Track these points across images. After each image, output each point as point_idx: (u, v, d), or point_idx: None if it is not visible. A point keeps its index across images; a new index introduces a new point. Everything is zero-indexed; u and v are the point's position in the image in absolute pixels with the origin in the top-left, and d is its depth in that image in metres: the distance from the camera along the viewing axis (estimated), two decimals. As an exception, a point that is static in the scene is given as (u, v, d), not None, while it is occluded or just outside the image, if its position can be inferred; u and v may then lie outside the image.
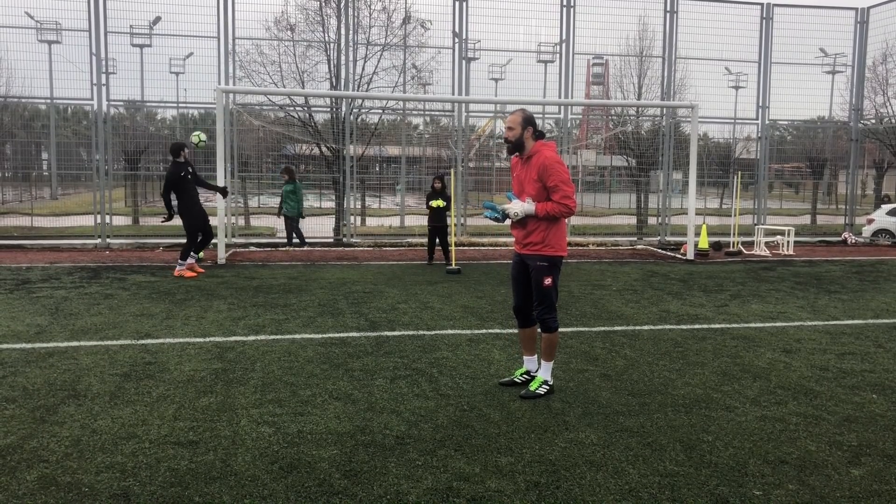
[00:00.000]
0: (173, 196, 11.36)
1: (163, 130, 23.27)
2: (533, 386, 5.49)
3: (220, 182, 12.72)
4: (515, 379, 5.77)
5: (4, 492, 3.74)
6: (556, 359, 6.47)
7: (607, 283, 11.10)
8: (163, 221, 11.83)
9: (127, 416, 4.86)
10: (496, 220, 5.53)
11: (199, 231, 11.53)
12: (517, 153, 5.47)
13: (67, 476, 3.94)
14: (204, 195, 12.68)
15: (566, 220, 5.53)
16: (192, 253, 11.49)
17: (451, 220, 13.26)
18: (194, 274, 11.28)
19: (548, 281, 5.38)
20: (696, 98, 17.70)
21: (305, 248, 15.60)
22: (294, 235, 16.00)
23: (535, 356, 5.75)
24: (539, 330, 5.53)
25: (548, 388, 5.49)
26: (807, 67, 19.48)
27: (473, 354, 6.65)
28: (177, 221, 11.65)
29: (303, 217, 16.60)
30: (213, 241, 12.37)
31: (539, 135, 5.44)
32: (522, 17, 18.35)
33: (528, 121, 5.38)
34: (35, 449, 4.29)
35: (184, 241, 11.71)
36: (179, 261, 11.34)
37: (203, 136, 11.93)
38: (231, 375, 5.86)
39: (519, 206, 5.33)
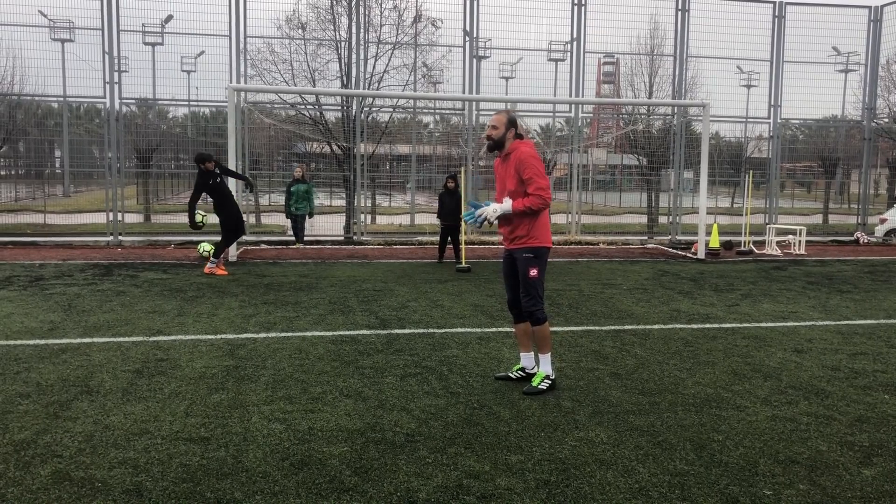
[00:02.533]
0: (208, 199, 11.48)
1: (175, 129, 23.38)
2: (535, 382, 5.52)
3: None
4: (511, 374, 5.85)
5: (19, 486, 3.78)
6: (566, 358, 6.48)
7: (618, 282, 11.08)
8: (191, 227, 11.76)
9: (139, 413, 4.89)
10: (474, 223, 5.70)
11: (235, 228, 11.63)
12: (497, 151, 5.65)
13: (80, 471, 3.97)
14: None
15: (548, 214, 5.67)
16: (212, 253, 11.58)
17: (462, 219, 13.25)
18: (225, 272, 11.33)
19: (533, 272, 5.48)
20: (707, 97, 17.63)
21: (303, 247, 15.63)
22: (299, 232, 16.07)
23: (532, 353, 5.82)
24: (530, 324, 5.61)
25: (550, 381, 5.52)
26: (819, 66, 19.38)
27: (483, 352, 6.65)
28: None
29: (311, 216, 16.70)
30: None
31: (518, 136, 5.63)
32: (533, 16, 18.34)
33: (512, 122, 5.61)
34: (49, 444, 4.33)
35: (196, 238, 11.77)
36: (212, 258, 11.39)
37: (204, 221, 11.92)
38: (242, 372, 5.89)
39: (494, 207, 5.50)
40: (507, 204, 5.45)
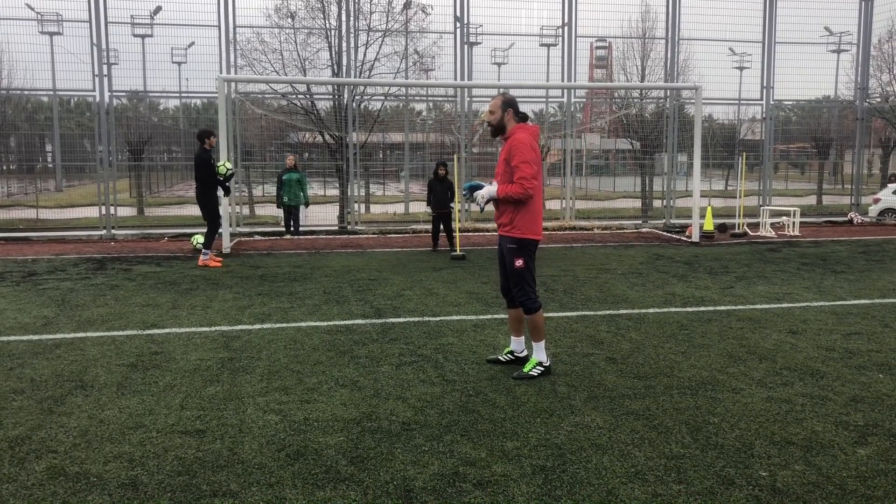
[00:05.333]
0: (199, 192, 11.51)
1: (166, 121, 23.26)
2: (526, 368, 5.53)
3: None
4: (501, 357, 5.89)
5: (13, 482, 3.76)
6: (561, 343, 6.48)
7: (612, 267, 11.08)
8: (225, 195, 12.00)
9: (134, 406, 4.87)
10: (468, 199, 5.80)
11: (219, 218, 11.62)
12: (500, 135, 5.60)
13: (76, 466, 3.96)
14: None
15: (540, 206, 5.57)
16: (203, 245, 11.55)
17: (456, 206, 13.25)
18: (219, 263, 11.29)
19: (519, 262, 5.46)
20: (699, 79, 17.61)
21: (295, 237, 15.57)
22: (293, 223, 15.96)
23: (522, 338, 5.86)
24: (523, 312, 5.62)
25: (542, 368, 5.52)
26: (811, 47, 19.36)
27: (479, 340, 6.65)
28: (186, 211, 11.67)
29: (307, 205, 16.64)
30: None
31: (522, 118, 5.55)
32: (524, 1, 18.29)
33: (508, 104, 5.52)
34: (43, 440, 4.31)
35: (189, 230, 11.74)
36: (204, 250, 11.37)
37: (229, 165, 11.97)
38: (237, 364, 5.87)
39: (484, 190, 5.54)
40: (492, 187, 5.48)
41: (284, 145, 20.07)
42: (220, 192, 11.76)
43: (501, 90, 18.67)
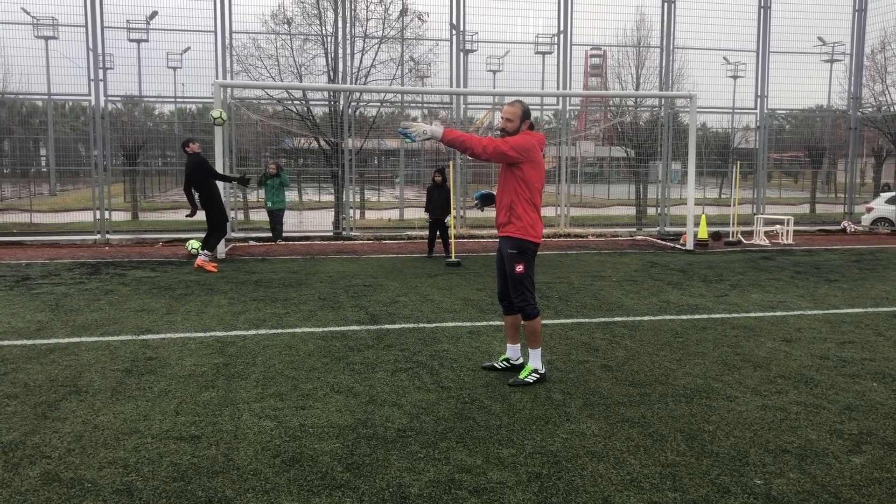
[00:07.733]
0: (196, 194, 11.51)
1: (161, 125, 23.23)
2: (522, 374, 5.53)
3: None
4: (496, 364, 5.88)
5: (7, 488, 3.75)
6: (556, 350, 6.48)
7: (607, 274, 11.10)
8: (187, 216, 11.91)
9: (129, 412, 4.86)
10: (479, 206, 5.84)
11: (225, 223, 11.61)
12: None
13: (70, 472, 3.94)
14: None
15: (539, 209, 5.50)
16: (203, 249, 11.50)
17: (451, 213, 13.25)
18: (214, 268, 11.25)
19: (519, 268, 5.43)
20: (694, 88, 17.67)
21: (282, 243, 15.49)
22: (278, 228, 15.85)
23: (518, 345, 5.85)
24: (521, 318, 5.60)
25: (538, 376, 5.52)
26: (805, 56, 19.45)
27: (474, 346, 6.65)
28: (181, 216, 11.64)
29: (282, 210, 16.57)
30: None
31: (530, 127, 5.50)
32: (520, 9, 18.34)
33: (526, 114, 5.44)
34: (37, 445, 4.30)
35: (184, 235, 11.69)
36: (204, 251, 11.34)
37: (224, 115, 11.98)
38: (232, 370, 5.86)
39: (425, 125, 5.22)
40: (437, 128, 5.21)
41: (280, 151, 20.03)
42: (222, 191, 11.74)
43: (517, 97, 18.75)
